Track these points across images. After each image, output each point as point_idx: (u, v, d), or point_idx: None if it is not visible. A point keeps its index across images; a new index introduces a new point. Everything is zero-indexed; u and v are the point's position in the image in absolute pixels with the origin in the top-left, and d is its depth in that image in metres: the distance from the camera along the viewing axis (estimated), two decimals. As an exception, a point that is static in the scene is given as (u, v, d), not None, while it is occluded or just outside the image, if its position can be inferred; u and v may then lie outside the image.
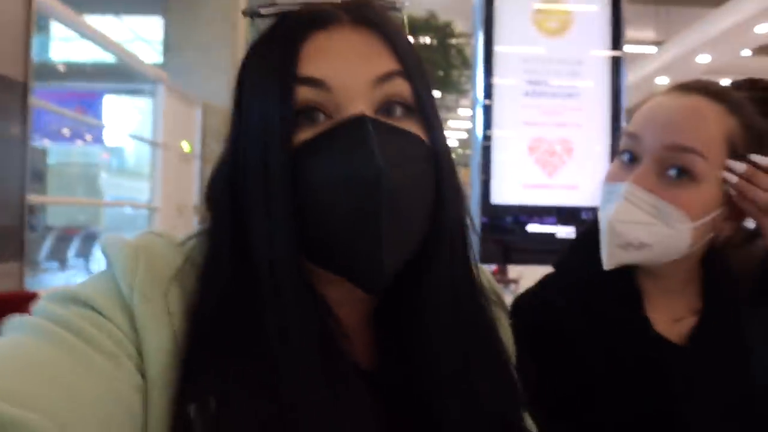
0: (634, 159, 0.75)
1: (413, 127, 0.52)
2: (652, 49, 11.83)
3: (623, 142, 0.78)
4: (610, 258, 0.73)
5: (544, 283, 0.88)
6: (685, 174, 0.70)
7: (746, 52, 10.52)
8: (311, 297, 0.50)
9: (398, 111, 0.51)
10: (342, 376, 0.49)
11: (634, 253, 0.73)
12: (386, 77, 0.50)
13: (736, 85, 0.82)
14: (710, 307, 0.79)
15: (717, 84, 0.78)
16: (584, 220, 2.42)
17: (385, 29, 0.52)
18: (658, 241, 0.72)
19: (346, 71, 0.49)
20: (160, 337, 0.45)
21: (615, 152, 0.86)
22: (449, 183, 0.54)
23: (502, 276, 2.44)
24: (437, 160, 0.53)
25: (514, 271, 2.52)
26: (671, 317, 0.79)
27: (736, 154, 0.72)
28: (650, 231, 0.71)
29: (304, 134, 0.49)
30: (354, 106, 0.49)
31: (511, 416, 0.57)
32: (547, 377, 0.74)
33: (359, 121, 0.48)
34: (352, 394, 0.49)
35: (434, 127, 0.54)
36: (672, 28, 11.04)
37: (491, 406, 0.55)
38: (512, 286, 2.41)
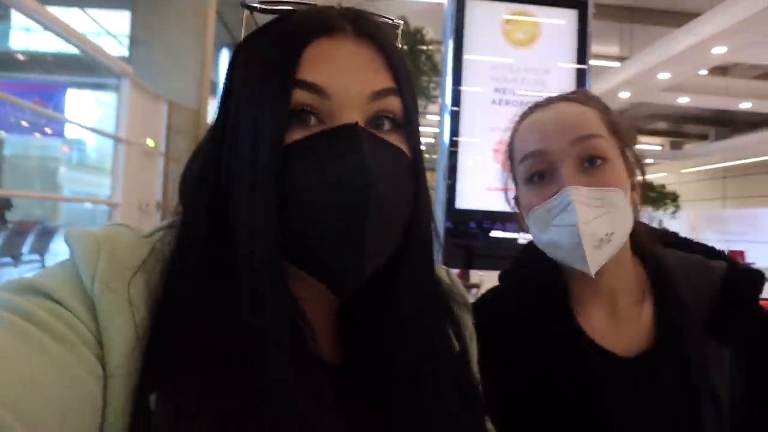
0: (542, 176, 0.79)
1: (398, 142, 0.54)
2: (616, 64, 12.18)
3: (525, 168, 0.81)
4: (592, 263, 0.74)
5: (484, 299, 0.92)
6: (599, 158, 0.76)
7: (703, 72, 10.93)
8: (287, 295, 0.50)
9: (386, 125, 0.53)
10: (310, 373, 0.50)
11: (606, 247, 0.75)
12: (382, 94, 0.52)
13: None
14: (660, 322, 0.80)
15: (570, 93, 0.87)
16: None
17: (384, 45, 0.54)
18: (617, 225, 0.75)
19: (346, 81, 0.50)
20: (122, 327, 0.45)
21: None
22: (424, 197, 0.56)
23: (464, 281, 2.48)
24: (417, 175, 0.55)
25: (475, 275, 2.55)
26: (611, 326, 0.81)
27: (619, 137, 0.81)
28: (609, 219, 0.74)
29: (296, 135, 0.50)
30: (348, 115, 0.50)
31: (469, 418, 0.58)
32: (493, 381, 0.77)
33: (353, 129, 0.49)
34: (318, 390, 0.49)
35: (416, 143, 0.56)
36: (635, 45, 11.39)
37: (448, 407, 0.56)
38: (474, 291, 2.44)
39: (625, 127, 0.83)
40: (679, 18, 9.84)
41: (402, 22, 0.60)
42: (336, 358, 0.57)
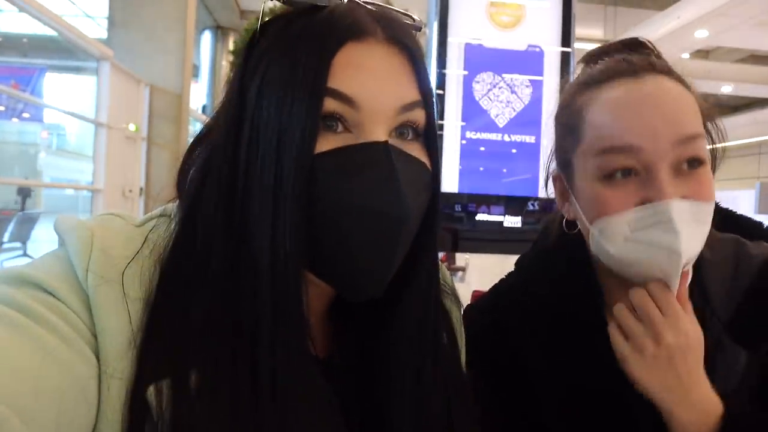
0: (627, 173, 0.65)
1: (418, 151, 0.54)
2: (600, 48, 12.19)
3: (605, 162, 0.65)
4: (674, 284, 0.64)
5: (498, 301, 0.81)
6: (697, 161, 0.64)
7: (686, 55, 11.01)
8: (301, 304, 0.50)
9: (410, 134, 0.53)
10: (307, 369, 0.50)
11: (688, 266, 0.65)
12: (409, 107, 0.52)
13: (630, 48, 0.75)
14: None
15: (661, 62, 0.70)
16: (530, 210, 2.49)
17: (413, 53, 0.53)
18: (702, 242, 0.65)
19: (376, 93, 0.50)
20: (116, 318, 0.45)
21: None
22: (437, 203, 0.57)
23: (449, 264, 2.49)
24: (435, 185, 0.56)
25: (461, 259, 2.57)
26: None
27: (705, 120, 0.69)
28: (700, 238, 0.64)
29: (323, 143, 0.49)
30: (376, 128, 0.50)
31: (460, 418, 0.59)
32: (500, 404, 0.73)
33: (386, 149, 0.49)
34: (315, 386, 0.50)
35: (435, 151, 0.56)
36: (619, 29, 11.40)
37: (441, 408, 0.57)
38: (459, 274, 2.46)
39: (707, 107, 0.71)
40: (662, 1, 9.86)
41: (423, 23, 0.59)
42: (324, 352, 0.58)
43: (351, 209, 0.48)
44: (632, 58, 0.69)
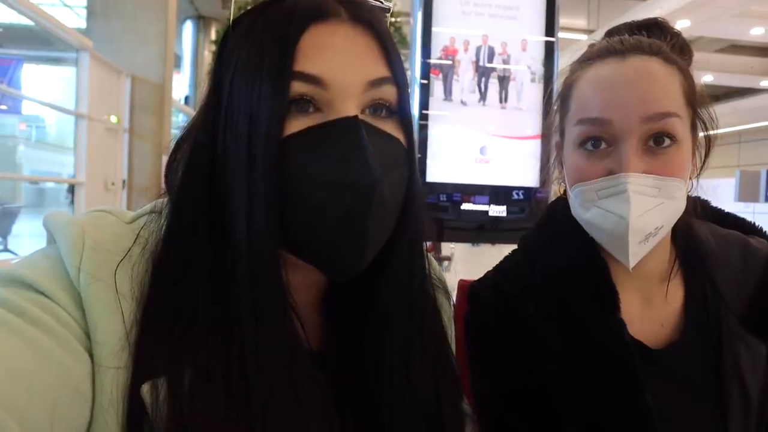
0: (598, 143, 0.69)
1: (393, 128, 0.54)
2: (583, 37, 12.25)
3: (580, 131, 0.70)
4: (633, 257, 0.68)
5: (506, 275, 0.82)
6: (669, 138, 0.67)
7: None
8: (281, 287, 0.50)
9: (383, 112, 0.53)
10: (297, 360, 0.50)
11: (651, 240, 0.69)
12: (378, 82, 0.52)
13: (643, 28, 0.77)
14: (690, 310, 0.75)
15: (652, 43, 0.72)
16: (516, 199, 2.50)
17: (380, 32, 0.53)
18: (668, 218, 0.68)
19: (344, 71, 0.50)
20: (109, 318, 0.45)
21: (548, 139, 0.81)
22: (416, 182, 0.57)
23: (436, 254, 2.50)
24: (410, 162, 0.56)
25: (446, 248, 2.58)
26: (641, 310, 0.75)
27: (693, 106, 0.71)
28: (661, 212, 0.67)
29: (295, 124, 0.49)
30: (346, 105, 0.50)
31: (448, 403, 0.60)
32: (506, 379, 0.74)
33: (354, 123, 0.49)
34: (307, 377, 0.50)
35: (410, 128, 0.56)
36: (602, 18, 11.47)
37: (430, 394, 0.58)
38: (445, 264, 2.47)
39: (699, 88, 0.72)
40: (645, -9, 9.92)
41: (392, 4, 0.59)
42: (318, 345, 0.57)
43: (322, 183, 0.48)
44: (628, 39, 0.72)
